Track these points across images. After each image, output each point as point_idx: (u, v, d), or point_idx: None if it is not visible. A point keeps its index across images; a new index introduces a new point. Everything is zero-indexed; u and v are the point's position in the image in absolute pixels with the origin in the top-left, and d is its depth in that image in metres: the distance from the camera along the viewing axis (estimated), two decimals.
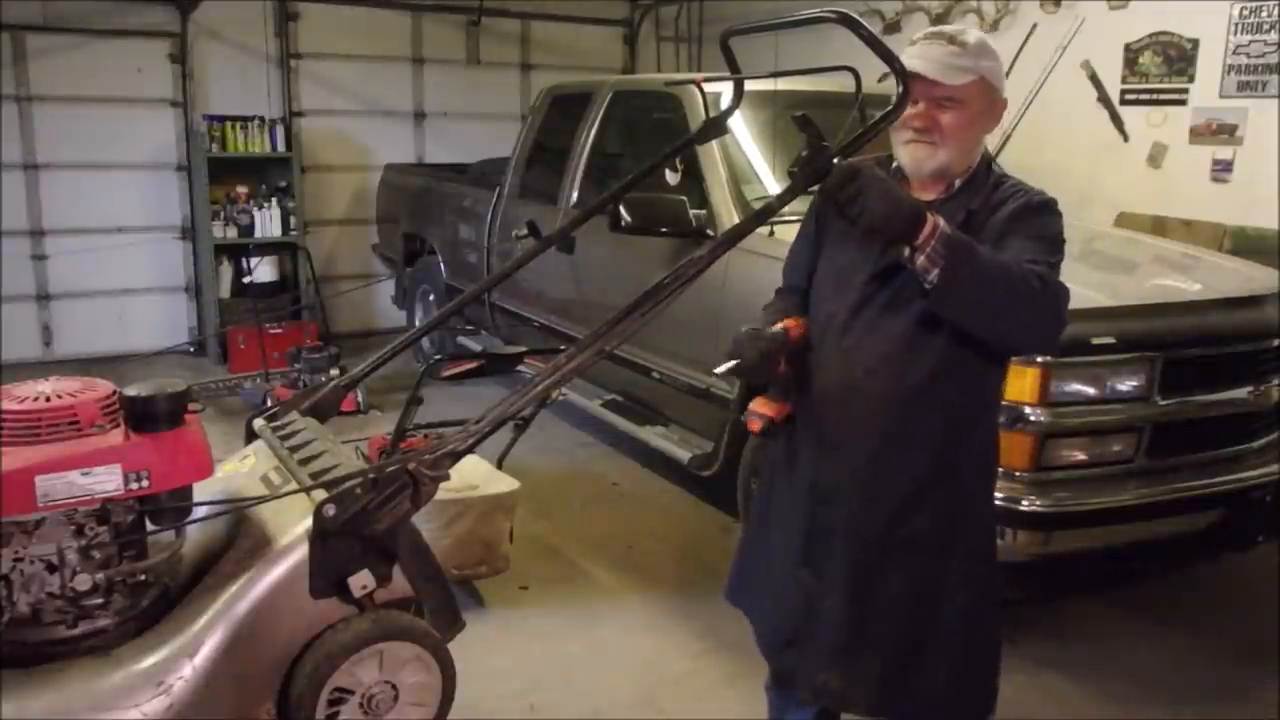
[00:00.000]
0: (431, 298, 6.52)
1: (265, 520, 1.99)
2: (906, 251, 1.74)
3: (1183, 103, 5.22)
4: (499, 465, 2.92)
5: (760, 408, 2.00)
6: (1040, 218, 1.89)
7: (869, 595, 1.97)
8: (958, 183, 1.94)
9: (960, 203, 1.91)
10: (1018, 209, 1.89)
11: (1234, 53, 4.98)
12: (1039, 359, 2.88)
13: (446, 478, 1.94)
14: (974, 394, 1.98)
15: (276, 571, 1.89)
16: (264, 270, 6.97)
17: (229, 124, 6.75)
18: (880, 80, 1.90)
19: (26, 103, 6.50)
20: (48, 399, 1.87)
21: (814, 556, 2.01)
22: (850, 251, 1.98)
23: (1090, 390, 3.01)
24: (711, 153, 4.01)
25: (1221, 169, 5.08)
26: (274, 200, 6.89)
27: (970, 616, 1.99)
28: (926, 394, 1.90)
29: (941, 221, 1.72)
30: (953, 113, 1.86)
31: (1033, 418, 2.91)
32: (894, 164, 1.97)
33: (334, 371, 5.41)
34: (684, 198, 3.80)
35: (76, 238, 6.71)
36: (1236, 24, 4.96)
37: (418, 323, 6.56)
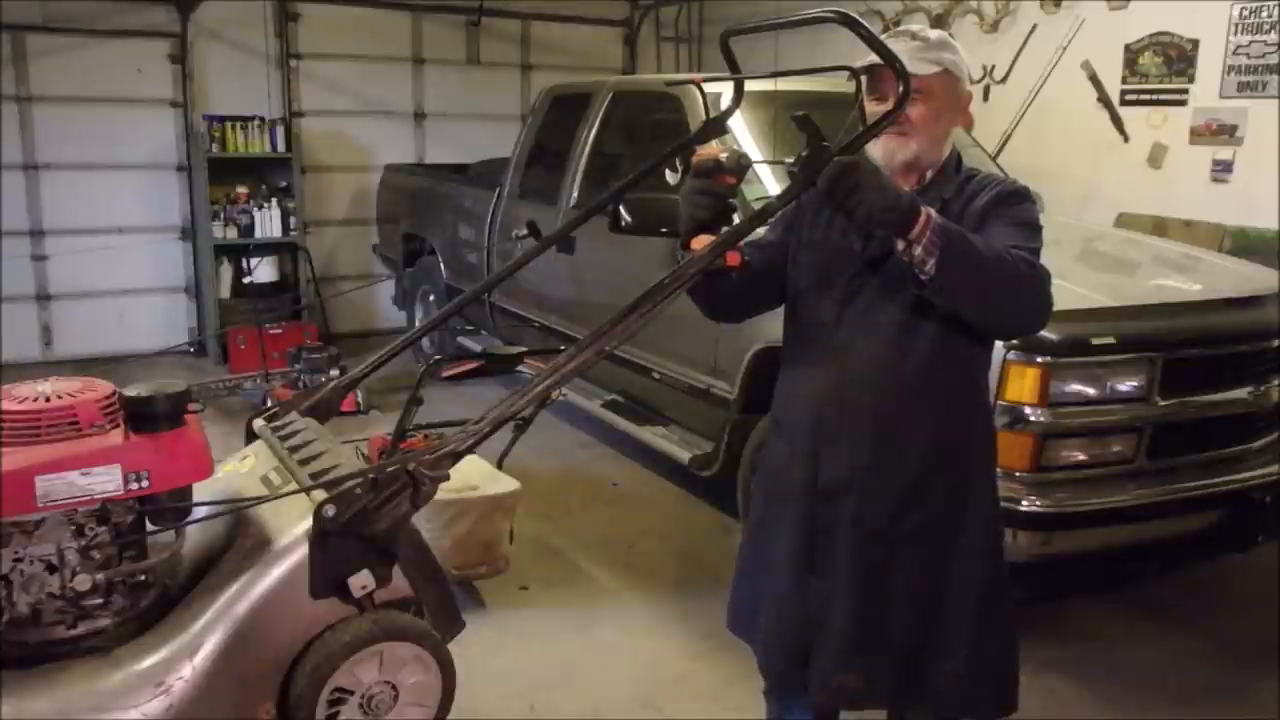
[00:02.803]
0: (431, 298, 6.52)
1: (265, 520, 1.99)
2: (901, 244, 1.76)
3: (1183, 103, 5.21)
4: (499, 466, 2.91)
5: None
6: (1017, 205, 1.94)
7: (878, 589, 1.98)
8: (929, 175, 1.99)
9: (933, 194, 1.94)
10: (993, 198, 1.93)
11: (1234, 53, 4.98)
12: (1039, 359, 2.88)
13: (446, 478, 1.93)
14: (966, 379, 2.01)
15: (276, 572, 1.89)
16: (264, 270, 6.97)
17: (229, 124, 6.75)
18: (860, 72, 1.92)
19: (26, 103, 6.51)
20: (48, 399, 1.87)
21: (817, 558, 2.01)
22: (828, 252, 2.01)
23: (1090, 390, 3.01)
24: None
25: (1221, 169, 5.08)
26: (274, 200, 6.89)
27: (980, 604, 2.00)
28: (922, 382, 1.93)
29: (934, 212, 1.75)
30: (920, 104, 1.90)
31: (1033, 418, 2.91)
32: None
33: (334, 372, 5.41)
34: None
35: (76, 238, 6.71)
36: (1236, 24, 4.96)
37: (418, 323, 6.55)
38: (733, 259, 1.93)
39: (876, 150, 1.95)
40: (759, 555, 2.17)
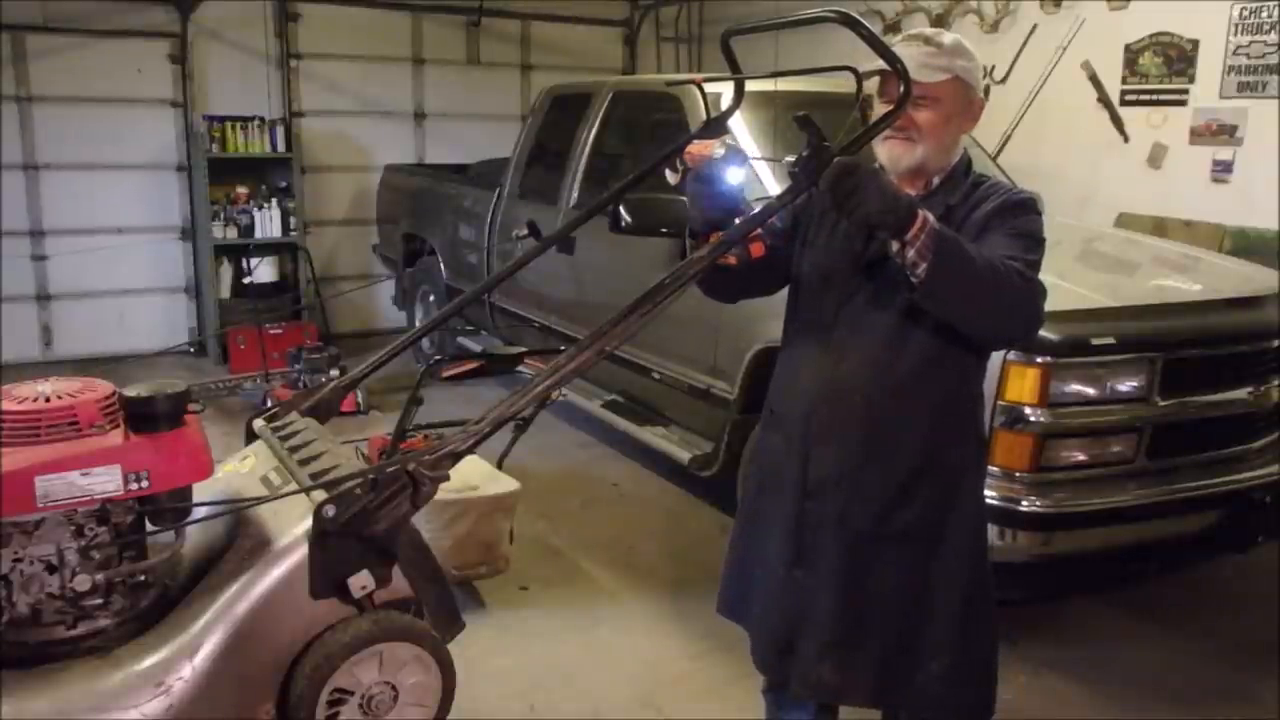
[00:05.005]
0: (431, 298, 6.52)
1: (265, 521, 1.99)
2: (895, 246, 1.76)
3: (1183, 103, 5.21)
4: (499, 466, 2.92)
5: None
6: (1020, 216, 1.93)
7: (861, 588, 1.99)
8: (935, 181, 1.98)
9: (939, 200, 1.94)
10: (997, 207, 1.92)
11: (1234, 53, 4.98)
12: (1039, 359, 2.88)
13: (446, 478, 1.93)
14: (959, 385, 2.01)
15: (276, 572, 1.89)
16: (264, 270, 6.97)
17: (229, 124, 6.76)
18: (871, 75, 1.91)
19: (26, 103, 6.51)
20: (48, 399, 1.87)
21: (804, 553, 2.03)
22: (831, 252, 2.01)
23: (1090, 391, 3.01)
24: None
25: (1221, 170, 5.08)
26: (274, 200, 6.90)
27: (963, 609, 2.00)
28: (913, 386, 1.94)
29: (930, 216, 1.75)
30: (929, 110, 1.90)
31: (1033, 418, 2.91)
32: (875, 163, 1.99)
33: (334, 372, 5.41)
34: (684, 198, 3.78)
35: (76, 238, 6.71)
36: (1236, 24, 4.96)
37: (418, 323, 6.55)
38: (756, 249, 1.98)
39: (883, 155, 1.95)
40: (751, 545, 2.18)
